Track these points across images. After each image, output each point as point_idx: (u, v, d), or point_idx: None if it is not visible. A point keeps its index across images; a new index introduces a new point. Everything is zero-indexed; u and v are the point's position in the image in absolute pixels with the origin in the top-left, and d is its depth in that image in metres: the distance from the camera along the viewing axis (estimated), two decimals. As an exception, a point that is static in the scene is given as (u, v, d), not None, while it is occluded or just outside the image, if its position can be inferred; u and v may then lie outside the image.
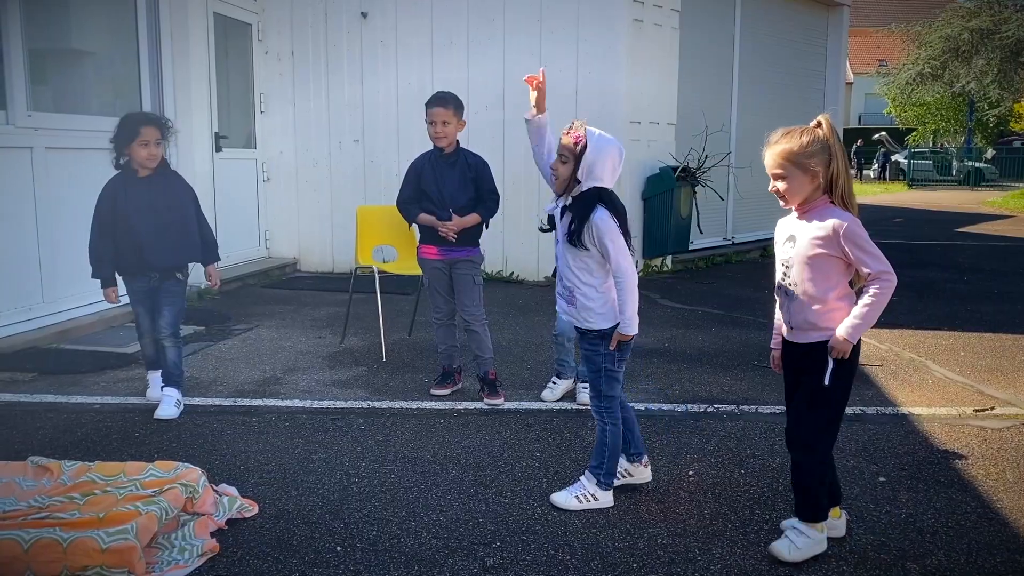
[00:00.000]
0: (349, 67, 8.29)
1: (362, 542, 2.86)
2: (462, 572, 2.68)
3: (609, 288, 3.10)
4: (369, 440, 3.83)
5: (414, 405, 4.35)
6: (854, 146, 33.34)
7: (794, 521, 2.82)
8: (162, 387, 4.18)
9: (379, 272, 5.37)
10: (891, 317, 6.66)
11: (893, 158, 33.33)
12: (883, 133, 35.47)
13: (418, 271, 4.69)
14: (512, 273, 8.08)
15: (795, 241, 2.73)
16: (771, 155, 2.69)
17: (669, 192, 8.07)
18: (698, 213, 8.60)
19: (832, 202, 2.69)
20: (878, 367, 5.16)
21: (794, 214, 2.78)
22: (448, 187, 4.37)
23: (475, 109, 7.91)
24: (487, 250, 7.69)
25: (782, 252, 2.80)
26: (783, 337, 2.86)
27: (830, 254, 2.66)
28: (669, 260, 8.73)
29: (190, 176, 6.84)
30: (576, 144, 3.01)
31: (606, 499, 3.15)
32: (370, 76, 8.25)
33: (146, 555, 2.63)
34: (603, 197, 3.03)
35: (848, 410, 4.29)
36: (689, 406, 4.37)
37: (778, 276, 2.82)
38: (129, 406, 4.25)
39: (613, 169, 3.03)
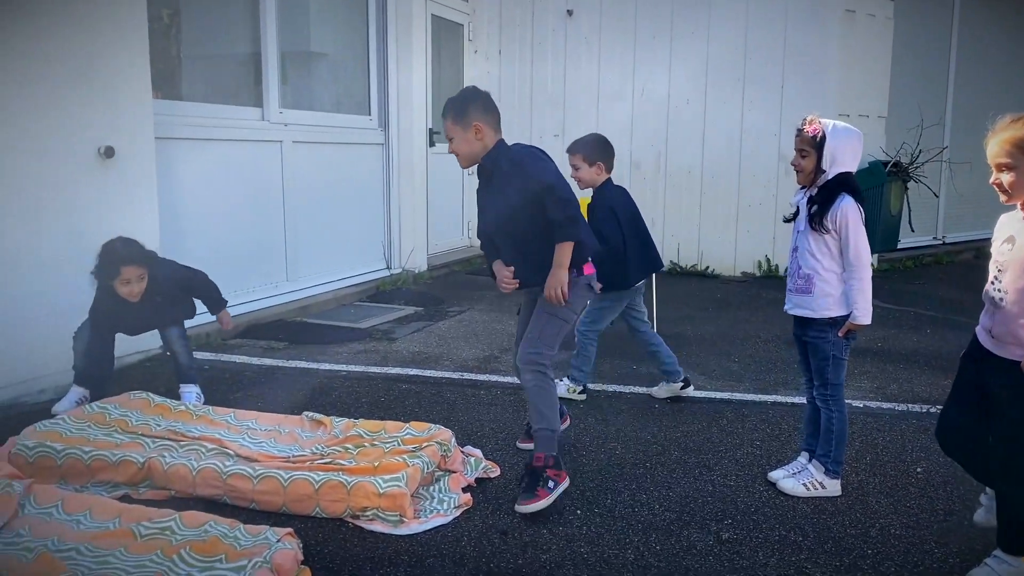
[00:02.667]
0: (553, 65, 8.57)
1: (599, 508, 3.07)
2: (698, 543, 2.83)
3: (843, 277, 3.12)
4: (589, 418, 4.04)
5: (627, 389, 4.53)
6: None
7: (997, 551, 2.60)
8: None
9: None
10: None
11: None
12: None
13: None
14: (707, 267, 8.08)
15: (1014, 243, 2.44)
16: (997, 142, 2.41)
17: (879, 187, 7.79)
18: (909, 210, 8.24)
19: None
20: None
21: (1019, 212, 2.47)
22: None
23: (676, 104, 8.05)
24: (681, 242, 7.59)
25: (998, 253, 2.52)
26: (980, 343, 2.60)
27: None
28: (875, 258, 8.42)
29: (409, 170, 7.47)
30: (815, 136, 3.07)
31: (834, 487, 3.19)
32: (572, 73, 8.50)
33: (412, 503, 2.97)
34: (850, 184, 3.06)
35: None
36: (909, 406, 4.29)
37: (989, 279, 2.54)
38: (372, 375, 4.69)
39: (855, 153, 3.08)
